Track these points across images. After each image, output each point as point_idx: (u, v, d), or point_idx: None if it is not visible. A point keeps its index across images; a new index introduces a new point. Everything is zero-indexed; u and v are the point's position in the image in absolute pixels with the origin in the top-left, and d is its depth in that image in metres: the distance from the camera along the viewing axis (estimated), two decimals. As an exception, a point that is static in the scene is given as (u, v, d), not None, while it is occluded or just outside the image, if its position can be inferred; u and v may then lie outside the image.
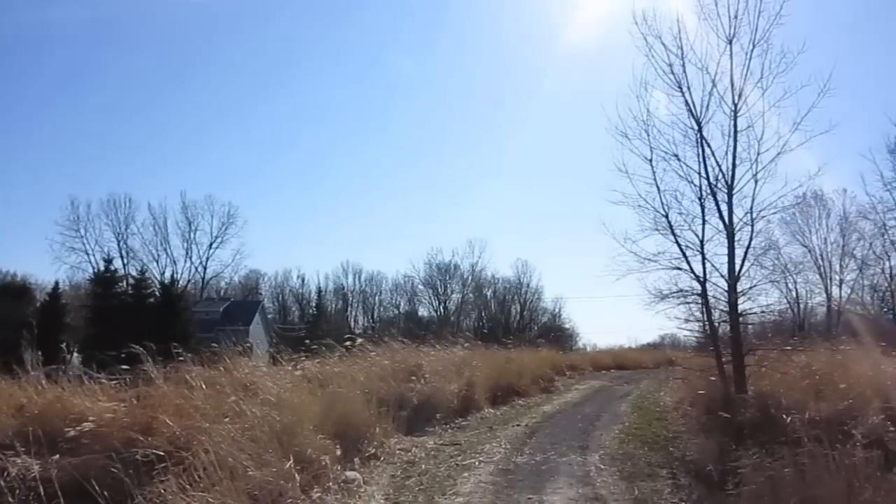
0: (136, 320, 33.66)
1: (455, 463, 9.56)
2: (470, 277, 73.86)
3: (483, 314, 74.90)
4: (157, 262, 61.57)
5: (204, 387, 8.59)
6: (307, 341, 13.94)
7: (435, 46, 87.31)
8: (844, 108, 36.37)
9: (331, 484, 7.64)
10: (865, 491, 7.48)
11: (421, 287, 74.74)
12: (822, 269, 38.22)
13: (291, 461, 7.19)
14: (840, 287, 38.49)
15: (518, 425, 13.20)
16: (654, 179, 12.88)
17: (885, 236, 34.87)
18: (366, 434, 9.85)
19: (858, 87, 58.09)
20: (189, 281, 62.77)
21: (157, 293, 44.33)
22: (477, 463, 9.55)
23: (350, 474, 8.22)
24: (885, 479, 7.89)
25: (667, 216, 12.87)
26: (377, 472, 8.94)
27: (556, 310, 74.27)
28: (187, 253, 63.08)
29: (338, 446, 8.59)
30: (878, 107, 69.53)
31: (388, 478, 8.67)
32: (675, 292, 13.44)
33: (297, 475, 7.10)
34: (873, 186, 42.94)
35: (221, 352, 10.24)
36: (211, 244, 63.48)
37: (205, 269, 64.31)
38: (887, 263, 35.71)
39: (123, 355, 9.13)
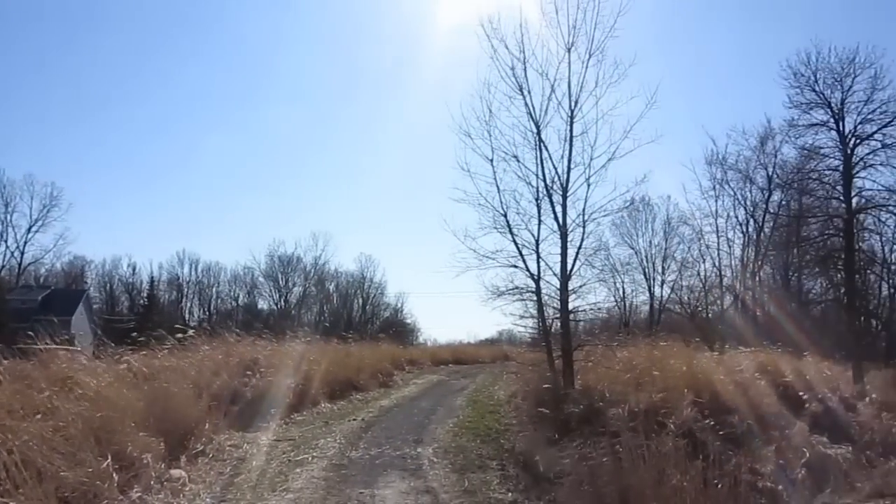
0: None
1: (288, 459, 9.40)
2: (313, 271, 72.81)
3: (325, 308, 74.07)
4: (-35, 245, 56.04)
5: (12, 381, 7.95)
6: (135, 333, 13.19)
7: (289, 39, 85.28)
8: (669, 120, 39.31)
9: (153, 483, 7.29)
10: (674, 477, 8.11)
11: (261, 279, 72.67)
12: (646, 269, 41.12)
13: (109, 460, 6.80)
14: (662, 287, 41.53)
15: (354, 420, 13.17)
16: (495, 179, 13.40)
17: (702, 241, 38.02)
18: (194, 430, 9.46)
19: (682, 102, 62.71)
20: (3, 267, 57.58)
21: (-37, 279, 40.26)
22: (310, 458, 9.44)
23: (174, 472, 7.86)
24: (692, 465, 8.60)
25: (505, 215, 13.40)
26: (205, 469, 8.60)
27: (399, 305, 74.75)
28: (2, 236, 57.79)
29: (162, 443, 8.20)
30: (699, 121, 76.02)
31: (215, 475, 8.38)
32: (511, 289, 14.01)
33: (115, 475, 6.72)
34: (693, 194, 46.81)
35: (37, 343, 9.52)
36: (30, 227, 58.46)
37: (22, 254, 59.11)
38: (702, 266, 38.92)
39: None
